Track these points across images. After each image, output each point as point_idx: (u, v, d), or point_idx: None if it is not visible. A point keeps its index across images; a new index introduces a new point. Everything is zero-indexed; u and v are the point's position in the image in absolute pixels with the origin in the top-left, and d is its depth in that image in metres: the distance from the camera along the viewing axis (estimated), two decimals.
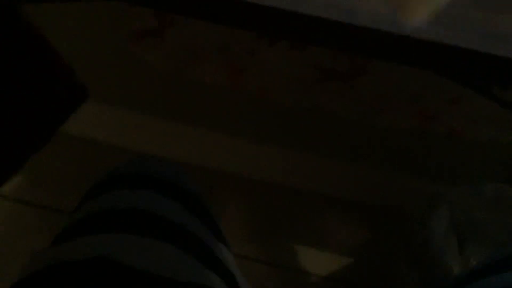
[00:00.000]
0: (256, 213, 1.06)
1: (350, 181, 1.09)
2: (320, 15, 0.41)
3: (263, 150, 1.09)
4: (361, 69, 0.96)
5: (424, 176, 1.03)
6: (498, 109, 0.91)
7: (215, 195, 1.07)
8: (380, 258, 1.01)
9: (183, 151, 1.00)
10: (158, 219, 0.44)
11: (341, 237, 1.05)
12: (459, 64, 0.44)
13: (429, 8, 0.40)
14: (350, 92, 0.98)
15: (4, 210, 1.01)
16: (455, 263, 0.81)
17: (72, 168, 1.06)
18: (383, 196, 1.05)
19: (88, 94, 0.37)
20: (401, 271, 0.95)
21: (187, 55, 0.97)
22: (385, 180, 1.06)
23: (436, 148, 1.02)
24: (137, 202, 0.45)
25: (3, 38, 0.30)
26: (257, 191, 1.07)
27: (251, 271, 0.97)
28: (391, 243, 1.02)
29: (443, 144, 1.01)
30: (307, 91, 1.00)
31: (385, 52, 0.45)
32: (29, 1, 0.36)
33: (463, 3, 0.40)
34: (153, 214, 0.44)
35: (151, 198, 0.46)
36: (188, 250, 0.42)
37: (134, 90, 1.05)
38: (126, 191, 0.47)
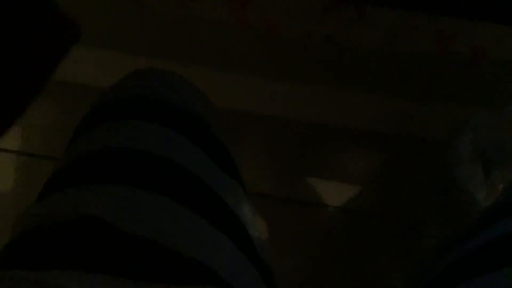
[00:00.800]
0: (271, 150, 1.04)
1: (371, 111, 1.05)
2: None
3: (275, 86, 1.06)
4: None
5: (447, 101, 0.99)
6: None
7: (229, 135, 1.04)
8: (403, 187, 0.99)
9: None
10: (153, 161, 0.37)
11: (362, 168, 1.03)
12: None
13: None
14: (362, 19, 0.92)
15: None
16: (480, 189, 0.79)
17: (67, 117, 1.04)
18: (406, 125, 1.02)
19: (80, 33, 0.33)
20: (424, 200, 0.93)
21: None
22: (408, 108, 1.02)
23: (458, 71, 0.97)
24: (128, 139, 0.38)
25: None
26: (271, 128, 1.05)
27: (267, 209, 0.96)
28: (414, 172, 1.00)
29: (465, 67, 0.96)
30: (317, 22, 0.95)
31: None
32: None
33: None
34: (147, 153, 0.37)
35: (145, 131, 0.39)
36: (188, 204, 0.37)
37: (132, 32, 1.01)
38: (111, 124, 0.39)
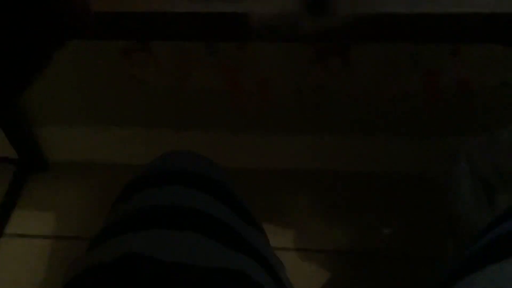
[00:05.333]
0: (279, 202, 1.06)
1: (370, 154, 1.07)
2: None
3: (274, 141, 1.09)
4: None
5: (441, 136, 1.01)
6: (501, 51, 0.88)
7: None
8: (412, 227, 1.00)
9: None
10: (183, 211, 0.46)
11: (368, 209, 1.03)
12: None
13: None
14: (348, 66, 0.96)
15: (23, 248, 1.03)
16: (486, 216, 0.79)
17: (75, 194, 1.07)
18: (403, 163, 1.03)
19: (92, 22, 0.33)
20: (433, 237, 0.93)
21: (176, 64, 0.97)
22: (404, 147, 1.04)
23: (449, 104, 1.00)
24: (164, 198, 0.47)
25: None
26: (277, 181, 1.07)
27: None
28: (421, 211, 1.00)
29: (455, 100, 0.99)
30: (305, 74, 0.99)
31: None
32: None
33: None
34: (179, 207, 0.46)
35: (177, 192, 0.48)
36: (215, 237, 0.44)
37: (129, 106, 1.06)
38: (154, 190, 0.48)
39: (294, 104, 1.03)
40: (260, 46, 0.96)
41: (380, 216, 1.02)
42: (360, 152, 1.07)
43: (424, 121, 1.01)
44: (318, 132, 1.06)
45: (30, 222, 1.05)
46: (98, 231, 0.48)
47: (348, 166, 1.09)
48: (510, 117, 0.95)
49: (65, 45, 0.31)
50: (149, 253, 0.41)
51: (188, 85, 1.00)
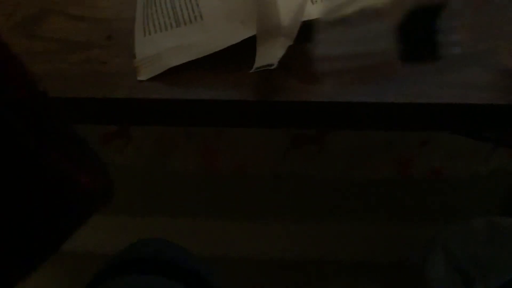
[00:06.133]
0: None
1: (346, 241, 1.06)
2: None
3: (250, 228, 1.07)
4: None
5: (416, 221, 1.02)
6: (470, 143, 0.91)
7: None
8: None
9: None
10: None
11: None
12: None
13: None
14: (323, 152, 0.98)
15: None
16: None
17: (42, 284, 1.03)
18: (382, 251, 1.03)
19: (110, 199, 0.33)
20: None
21: (156, 148, 0.98)
22: (380, 234, 1.04)
23: (422, 191, 1.01)
24: None
25: None
26: (254, 270, 1.04)
27: None
28: None
29: (427, 187, 1.00)
30: (281, 159, 1.00)
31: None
32: None
33: None
34: None
35: (148, 281, 0.47)
36: None
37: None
38: (125, 279, 0.47)
39: (270, 189, 1.04)
40: (237, 131, 0.97)
41: None
42: (335, 239, 1.06)
43: (399, 208, 1.02)
44: (295, 218, 1.06)
45: None
46: None
47: (325, 253, 1.07)
48: (484, 206, 0.96)
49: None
50: None
51: (166, 169, 1.00)
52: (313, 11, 0.42)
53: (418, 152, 0.95)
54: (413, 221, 1.01)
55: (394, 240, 1.02)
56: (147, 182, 1.02)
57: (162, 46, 0.44)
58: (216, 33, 0.43)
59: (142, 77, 0.43)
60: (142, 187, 1.04)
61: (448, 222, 0.92)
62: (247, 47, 0.42)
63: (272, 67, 0.39)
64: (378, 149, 0.95)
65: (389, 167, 0.97)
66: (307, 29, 0.41)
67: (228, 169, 1.03)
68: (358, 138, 0.94)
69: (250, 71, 0.40)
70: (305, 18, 0.41)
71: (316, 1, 0.43)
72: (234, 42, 0.42)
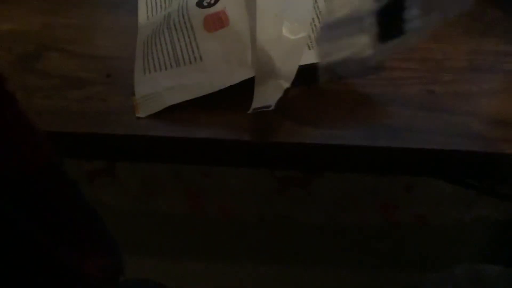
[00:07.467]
0: None
1: (331, 286, 1.06)
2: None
3: (235, 270, 1.06)
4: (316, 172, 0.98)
5: (400, 268, 1.02)
6: (454, 189, 0.93)
7: None
8: None
9: None
10: None
11: None
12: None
13: None
14: (309, 196, 0.98)
15: None
16: None
17: None
18: None
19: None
20: None
21: (141, 188, 0.97)
22: (364, 279, 1.03)
23: (406, 237, 1.02)
24: None
25: None
26: None
27: None
28: None
29: (412, 233, 1.01)
30: (268, 203, 1.01)
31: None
32: None
33: None
34: None
35: None
36: None
37: None
38: None
39: (256, 232, 1.03)
40: (224, 172, 0.98)
41: None
42: (320, 284, 1.05)
43: (384, 254, 1.02)
44: (281, 262, 1.05)
45: None
46: None
47: None
48: (467, 253, 0.97)
49: None
50: None
51: (151, 208, 0.99)
52: (310, 56, 0.43)
53: (403, 198, 0.96)
54: (398, 267, 1.01)
55: (379, 286, 1.02)
56: (132, 222, 1.01)
57: (161, 84, 0.45)
58: (215, 74, 0.44)
59: (141, 114, 0.44)
60: (127, 226, 1.02)
61: (431, 269, 0.92)
62: (244, 88, 0.43)
63: (270, 109, 0.40)
64: (364, 194, 0.96)
65: (375, 212, 0.98)
66: (305, 73, 0.42)
67: (214, 211, 1.03)
68: (344, 183, 0.95)
69: (248, 112, 0.41)
70: (302, 63, 0.43)
71: (313, 47, 0.45)
72: (232, 83, 0.43)
